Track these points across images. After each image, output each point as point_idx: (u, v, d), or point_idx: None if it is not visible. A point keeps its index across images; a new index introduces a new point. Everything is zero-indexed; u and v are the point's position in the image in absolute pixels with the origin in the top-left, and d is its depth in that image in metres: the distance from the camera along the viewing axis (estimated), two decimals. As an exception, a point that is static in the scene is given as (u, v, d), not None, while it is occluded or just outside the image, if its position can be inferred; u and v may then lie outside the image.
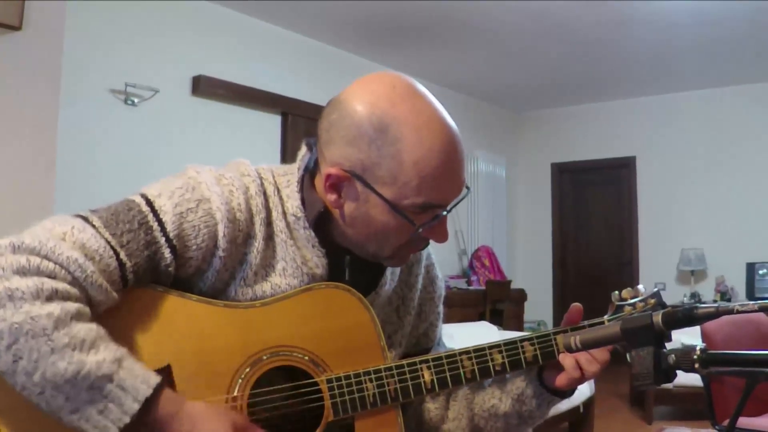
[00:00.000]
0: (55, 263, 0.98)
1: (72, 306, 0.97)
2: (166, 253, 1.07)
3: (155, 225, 1.07)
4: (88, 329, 0.97)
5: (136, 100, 4.79)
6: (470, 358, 1.20)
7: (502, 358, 1.21)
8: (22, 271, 0.96)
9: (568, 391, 1.27)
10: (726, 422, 2.80)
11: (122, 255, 1.03)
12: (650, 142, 8.13)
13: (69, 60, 3.20)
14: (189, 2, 5.20)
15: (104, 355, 0.96)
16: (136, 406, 0.96)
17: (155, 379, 0.99)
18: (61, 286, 0.97)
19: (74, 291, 0.98)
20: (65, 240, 1.00)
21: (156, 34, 4.97)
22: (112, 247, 1.03)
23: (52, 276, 0.97)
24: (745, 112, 7.53)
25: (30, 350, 0.93)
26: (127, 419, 0.96)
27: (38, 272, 0.97)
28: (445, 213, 1.14)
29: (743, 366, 1.11)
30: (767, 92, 7.45)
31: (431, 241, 1.20)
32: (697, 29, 5.89)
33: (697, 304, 1.02)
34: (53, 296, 0.96)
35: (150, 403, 0.98)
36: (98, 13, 4.56)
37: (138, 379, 0.98)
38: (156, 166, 4.58)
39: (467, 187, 1.17)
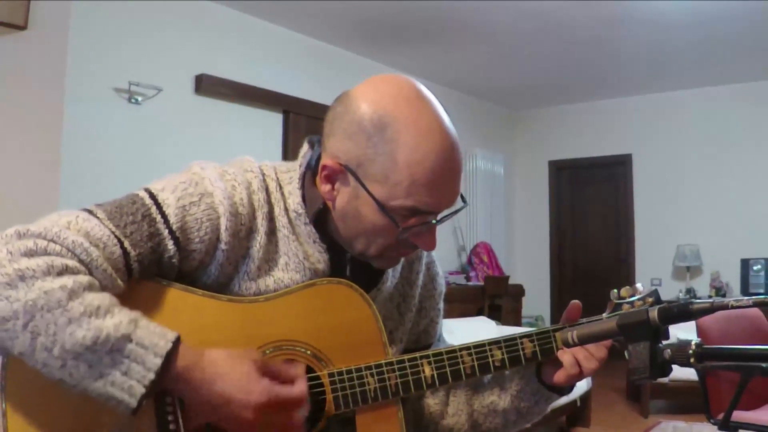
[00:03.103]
0: (62, 246, 0.99)
1: (83, 278, 0.98)
2: (170, 244, 1.08)
3: (158, 217, 1.07)
4: (101, 297, 0.98)
5: (139, 99, 4.81)
6: (470, 354, 1.21)
7: (502, 354, 1.22)
8: (30, 253, 0.97)
9: (566, 388, 1.28)
10: (721, 416, 2.81)
11: (126, 244, 1.04)
12: (646, 139, 8.14)
13: (73, 59, 3.23)
14: (192, 2, 5.21)
15: (120, 317, 0.97)
16: (158, 361, 0.97)
17: (172, 333, 1.00)
18: (71, 263, 0.98)
19: (83, 268, 1.00)
20: (70, 228, 1.01)
21: (159, 33, 4.99)
22: (116, 237, 1.04)
23: (60, 255, 0.98)
24: (740, 111, 7.54)
25: (47, 324, 0.93)
26: (151, 375, 0.96)
27: (46, 253, 0.98)
28: (434, 222, 1.13)
29: (738, 360, 1.13)
30: (762, 91, 7.46)
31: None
32: (692, 28, 5.89)
33: (693, 300, 1.03)
34: (64, 271, 0.97)
35: (171, 357, 0.98)
36: (102, 12, 4.57)
37: (156, 335, 0.98)
38: (159, 163, 4.59)
39: (464, 201, 1.16)
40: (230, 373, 1.02)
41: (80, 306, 0.95)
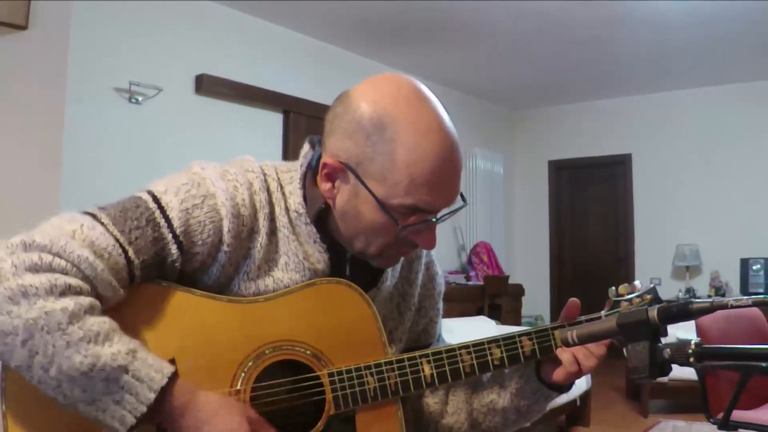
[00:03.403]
0: (67, 261, 0.99)
1: (85, 300, 0.98)
2: (173, 249, 1.08)
3: (162, 221, 1.07)
4: (101, 322, 0.98)
5: (140, 99, 4.82)
6: (469, 353, 1.21)
7: (501, 352, 1.22)
8: (35, 268, 0.97)
9: (565, 386, 1.28)
10: (720, 415, 2.81)
11: (130, 252, 1.04)
12: (646, 139, 8.15)
13: (74, 59, 3.22)
14: (193, 2, 5.22)
15: (118, 347, 0.98)
16: (151, 396, 0.98)
17: (169, 368, 1.01)
18: (74, 281, 0.98)
19: (86, 286, 0.99)
20: (75, 238, 1.01)
21: (160, 33, 4.99)
22: (120, 245, 1.04)
23: (64, 272, 0.98)
24: (739, 110, 7.54)
25: (45, 345, 0.94)
26: (143, 408, 0.97)
27: (50, 269, 0.97)
28: (434, 220, 1.13)
29: (737, 360, 1.12)
30: (762, 91, 7.46)
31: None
32: (692, 28, 5.90)
33: (692, 299, 1.03)
34: (66, 291, 0.97)
35: (165, 393, 0.99)
36: (103, 12, 4.58)
37: (152, 369, 0.99)
38: (160, 163, 4.60)
39: (464, 200, 1.16)
40: (220, 421, 1.03)
41: (80, 331, 0.96)
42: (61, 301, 0.96)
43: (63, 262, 0.99)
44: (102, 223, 1.05)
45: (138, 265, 1.05)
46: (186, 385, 1.03)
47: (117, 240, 1.04)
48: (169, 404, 1.01)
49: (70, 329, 0.95)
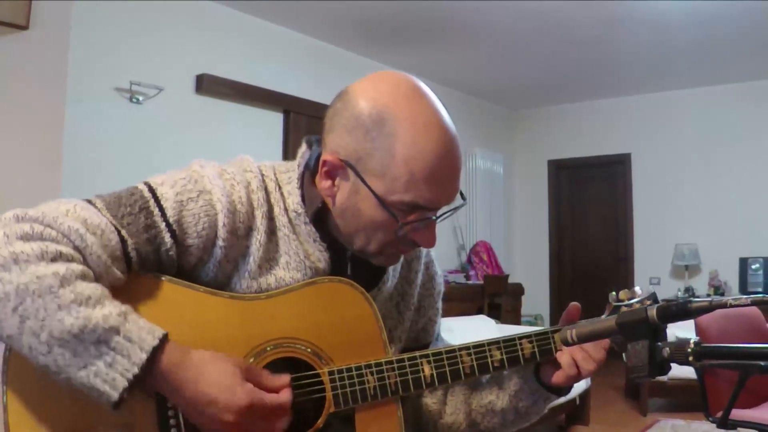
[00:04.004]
0: (57, 231, 1.00)
1: (77, 267, 0.99)
2: (166, 237, 1.08)
3: (156, 210, 1.08)
4: (93, 288, 0.98)
5: (140, 98, 4.82)
6: (469, 354, 1.21)
7: (501, 354, 1.22)
8: (26, 237, 0.98)
9: (564, 389, 1.29)
10: (719, 414, 2.83)
11: (123, 233, 1.05)
12: (645, 139, 8.15)
13: (75, 58, 3.23)
14: (193, 2, 5.22)
15: (110, 309, 0.98)
16: (143, 356, 0.97)
17: (160, 330, 1.01)
18: (65, 249, 0.99)
19: (77, 255, 1.00)
20: (68, 215, 1.02)
21: (160, 33, 5.00)
22: (113, 225, 1.05)
23: (55, 241, 0.99)
24: (738, 110, 7.55)
25: (37, 309, 0.94)
26: (135, 370, 0.97)
27: (41, 238, 0.98)
28: (433, 218, 1.14)
29: (736, 359, 1.13)
30: (762, 90, 7.46)
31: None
32: (692, 28, 5.90)
33: (691, 299, 1.03)
34: (57, 258, 0.98)
35: (156, 353, 0.99)
36: (104, 12, 4.59)
37: (144, 330, 0.99)
38: (160, 162, 4.55)
39: (463, 198, 1.16)
40: (214, 373, 1.03)
41: (71, 294, 0.96)
42: (52, 266, 0.96)
43: (54, 232, 1.00)
44: (96, 207, 1.06)
45: (132, 245, 1.06)
46: (177, 346, 1.03)
47: (110, 221, 1.05)
48: (162, 366, 1.00)
49: (61, 292, 0.95)
